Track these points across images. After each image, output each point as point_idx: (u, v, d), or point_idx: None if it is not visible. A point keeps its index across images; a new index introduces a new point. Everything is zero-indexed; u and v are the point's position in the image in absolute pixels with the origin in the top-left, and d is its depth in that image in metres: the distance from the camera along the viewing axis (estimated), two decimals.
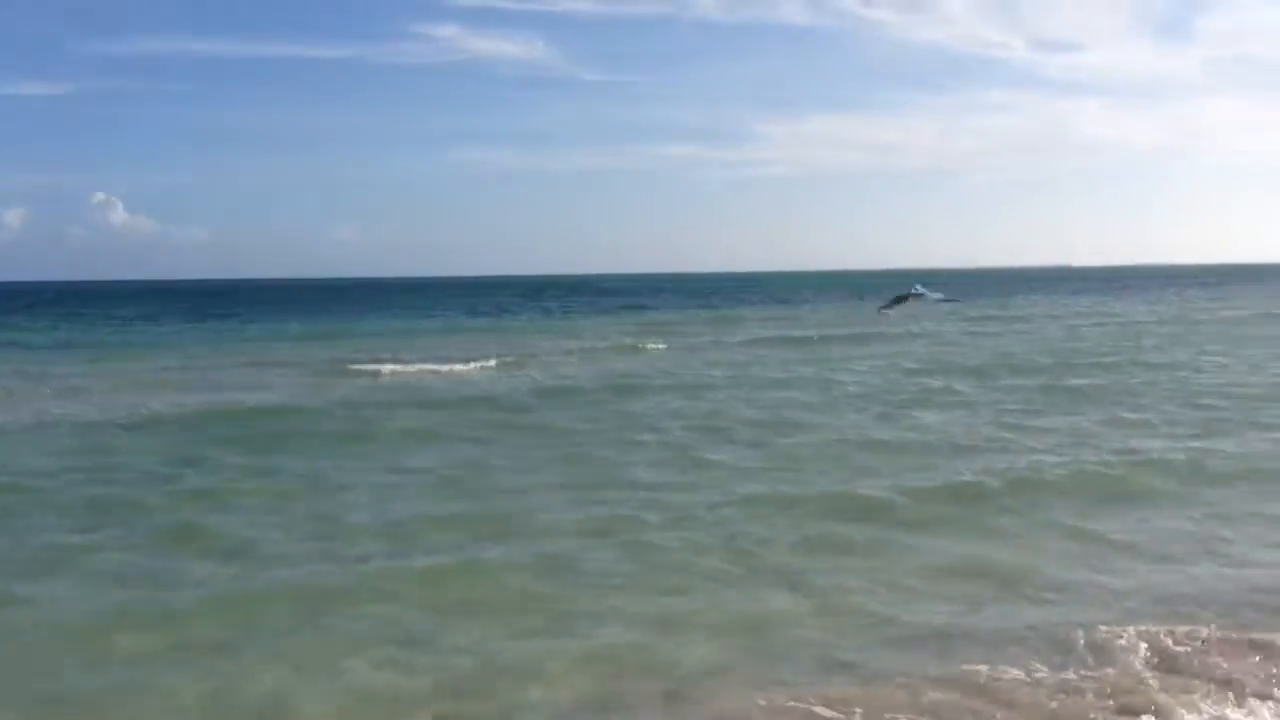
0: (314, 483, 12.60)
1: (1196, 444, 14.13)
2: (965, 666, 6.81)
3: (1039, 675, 6.68)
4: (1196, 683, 6.53)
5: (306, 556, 9.51)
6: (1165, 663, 6.86)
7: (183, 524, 10.61)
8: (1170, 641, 7.15)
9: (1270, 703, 6.27)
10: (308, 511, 11.11)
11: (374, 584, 8.64)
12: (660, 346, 32.73)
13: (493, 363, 27.22)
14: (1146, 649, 7.03)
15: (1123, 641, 7.14)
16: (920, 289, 8.64)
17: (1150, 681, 6.55)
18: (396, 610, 8.06)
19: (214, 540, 10.02)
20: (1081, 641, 7.17)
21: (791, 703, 6.37)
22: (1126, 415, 16.81)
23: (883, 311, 8.83)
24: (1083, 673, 6.72)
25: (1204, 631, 7.33)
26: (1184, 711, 6.17)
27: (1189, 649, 7.06)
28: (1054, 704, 6.31)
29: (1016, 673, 6.72)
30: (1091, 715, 6.17)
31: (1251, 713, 6.17)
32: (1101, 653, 7.00)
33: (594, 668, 6.96)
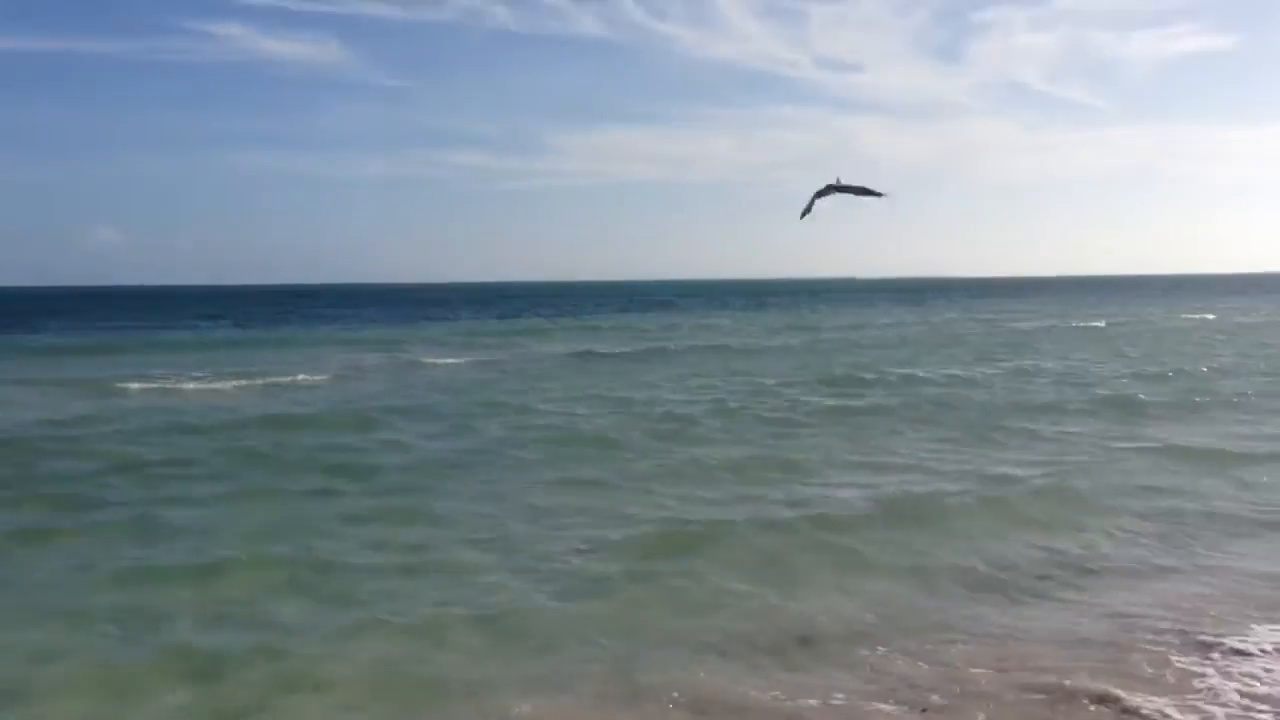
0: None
1: (969, 465, 13.90)
2: None
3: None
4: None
5: None
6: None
7: None
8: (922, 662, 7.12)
9: None
10: None
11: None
12: (449, 361, 30.91)
13: (258, 381, 24.87)
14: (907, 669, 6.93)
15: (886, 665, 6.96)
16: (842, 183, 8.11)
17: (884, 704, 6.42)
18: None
19: None
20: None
21: None
22: (907, 431, 16.75)
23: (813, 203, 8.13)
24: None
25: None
26: None
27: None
28: None
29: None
30: None
31: None
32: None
33: None
